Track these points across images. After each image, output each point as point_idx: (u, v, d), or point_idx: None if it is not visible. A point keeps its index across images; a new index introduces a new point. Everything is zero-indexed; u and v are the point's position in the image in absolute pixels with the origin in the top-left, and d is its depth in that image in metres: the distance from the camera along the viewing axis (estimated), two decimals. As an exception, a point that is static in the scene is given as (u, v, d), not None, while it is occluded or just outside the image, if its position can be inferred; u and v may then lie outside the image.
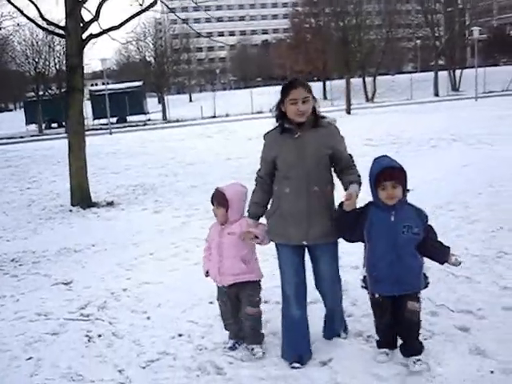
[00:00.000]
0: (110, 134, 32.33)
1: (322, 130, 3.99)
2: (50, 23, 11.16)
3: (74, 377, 4.22)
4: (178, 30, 61.46)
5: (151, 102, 56.53)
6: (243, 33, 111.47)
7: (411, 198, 3.86)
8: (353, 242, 3.98)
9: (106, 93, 35.45)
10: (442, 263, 3.91)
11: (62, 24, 11.04)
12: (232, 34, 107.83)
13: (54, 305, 5.75)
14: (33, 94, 44.49)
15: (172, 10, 13.96)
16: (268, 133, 4.15)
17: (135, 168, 16.47)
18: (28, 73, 43.87)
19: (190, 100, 70.62)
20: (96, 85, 75.54)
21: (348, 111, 32.46)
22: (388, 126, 21.00)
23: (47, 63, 42.74)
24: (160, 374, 4.16)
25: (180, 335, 4.76)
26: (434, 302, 4.88)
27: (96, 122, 45.56)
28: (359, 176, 4.00)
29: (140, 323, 5.09)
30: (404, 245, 3.70)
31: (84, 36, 11.07)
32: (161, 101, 52.04)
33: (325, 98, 53.49)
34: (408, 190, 3.78)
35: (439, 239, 3.87)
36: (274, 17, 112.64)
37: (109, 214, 10.39)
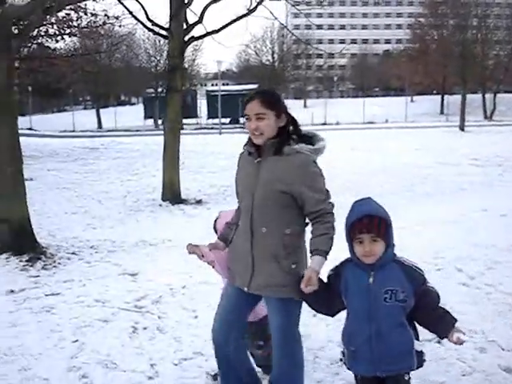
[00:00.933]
0: (220, 134, 33.09)
1: (284, 159, 3.14)
2: (154, 24, 11.63)
3: (108, 364, 4.38)
4: (301, 36, 61.90)
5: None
6: (365, 41, 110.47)
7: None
8: (335, 314, 3.18)
9: (219, 94, 36.35)
10: (441, 338, 3.00)
11: (167, 26, 11.49)
12: (354, 41, 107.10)
13: (114, 293, 5.99)
14: (152, 90, 46.39)
15: (281, 22, 14.01)
16: (243, 152, 3.46)
17: (232, 169, 16.70)
18: (149, 70, 45.81)
19: (305, 105, 70.91)
20: (216, 85, 77.54)
21: (461, 128, 31.42)
22: (499, 147, 20.12)
23: (167, 62, 44.38)
24: (188, 372, 4.24)
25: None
26: (486, 337, 4.62)
27: (210, 121, 46.78)
28: (327, 234, 3.10)
29: (186, 321, 5.22)
30: (386, 316, 2.83)
31: (186, 38, 11.45)
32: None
33: (441, 112, 52.05)
34: (393, 245, 2.93)
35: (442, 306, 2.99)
36: (398, 27, 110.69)
37: (194, 212, 10.71)
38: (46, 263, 7.13)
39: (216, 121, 43.31)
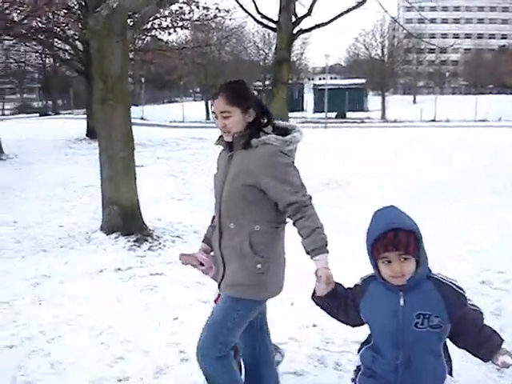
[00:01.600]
0: (325, 127, 32.98)
1: (252, 151, 2.99)
2: (264, 17, 11.80)
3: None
4: (412, 30, 60.47)
5: (375, 100, 56.44)
6: (480, 36, 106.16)
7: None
8: (356, 325, 2.77)
9: (326, 88, 36.24)
10: (484, 361, 2.54)
11: (276, 19, 11.63)
12: (468, 36, 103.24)
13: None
14: (260, 83, 46.92)
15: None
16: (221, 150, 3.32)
17: (332, 162, 16.56)
18: (257, 63, 46.35)
19: (414, 101, 69.21)
20: (323, 79, 77.26)
21: None
22: None
23: (275, 54, 44.75)
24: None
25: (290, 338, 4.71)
26: None
27: (316, 115, 46.70)
28: (318, 229, 2.86)
29: (283, 307, 5.16)
30: (417, 343, 2.42)
31: (295, 31, 11.54)
32: (382, 100, 51.76)
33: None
34: (426, 260, 2.46)
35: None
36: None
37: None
38: (151, 244, 7.49)
39: (322, 115, 43.25)
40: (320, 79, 76.15)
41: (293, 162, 3.06)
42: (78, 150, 20.19)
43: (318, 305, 2.76)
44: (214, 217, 3.28)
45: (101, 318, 5.06)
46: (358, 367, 2.68)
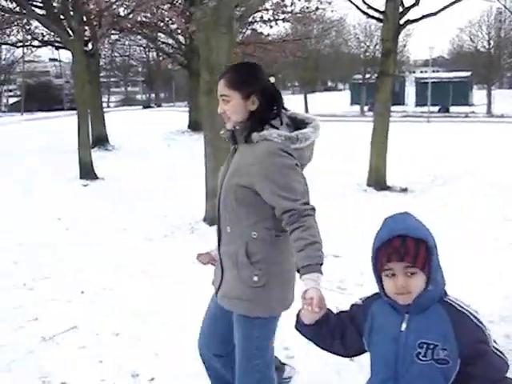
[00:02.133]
0: (428, 122, 32.05)
1: (251, 147, 2.65)
2: (369, 7, 11.52)
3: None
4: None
5: (480, 94, 54.33)
6: None
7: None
8: (352, 355, 2.36)
9: (429, 81, 35.21)
10: None
11: (382, 9, 11.31)
12: None
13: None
14: (360, 76, 46.20)
15: None
16: None
17: (436, 158, 16.07)
18: (358, 56, 45.67)
19: (522, 95, 66.12)
20: (426, 72, 75.25)
21: None
22: None
23: (377, 47, 43.87)
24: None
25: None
26: None
27: (418, 109, 45.48)
28: (316, 244, 2.49)
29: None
30: (417, 378, 1.98)
31: (402, 21, 11.19)
32: (488, 94, 49.71)
33: None
34: (441, 279, 2.04)
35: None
36: None
37: (397, 199, 10.46)
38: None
39: (424, 109, 42.04)
40: (421, 72, 74.17)
41: (297, 165, 2.62)
42: (180, 141, 20.61)
43: (304, 335, 2.31)
44: None
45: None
46: None
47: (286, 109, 2.81)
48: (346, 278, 5.96)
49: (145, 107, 50.10)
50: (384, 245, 1.97)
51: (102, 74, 34.29)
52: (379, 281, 2.04)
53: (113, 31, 20.96)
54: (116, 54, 49.94)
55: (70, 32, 13.64)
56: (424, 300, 1.98)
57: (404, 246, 1.94)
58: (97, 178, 12.83)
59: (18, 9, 17.92)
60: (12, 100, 70.54)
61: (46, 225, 8.51)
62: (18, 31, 26.07)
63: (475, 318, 1.99)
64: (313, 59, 42.73)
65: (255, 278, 2.67)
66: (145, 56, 53.39)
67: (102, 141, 19.31)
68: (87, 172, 12.81)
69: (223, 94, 2.71)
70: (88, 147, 13.21)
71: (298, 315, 2.28)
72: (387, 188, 11.45)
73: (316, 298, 2.21)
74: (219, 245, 2.84)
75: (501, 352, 2.01)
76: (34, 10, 15.73)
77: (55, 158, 16.27)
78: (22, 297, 5.58)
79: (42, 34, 24.44)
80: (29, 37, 26.04)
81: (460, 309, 2.00)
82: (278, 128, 2.66)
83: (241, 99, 2.68)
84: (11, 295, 5.64)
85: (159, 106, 53.99)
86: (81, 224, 8.54)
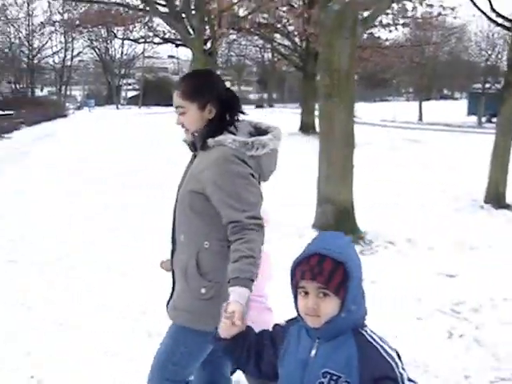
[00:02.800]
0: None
1: (207, 153, 2.57)
2: (498, 15, 10.94)
3: (421, 366, 4.23)
4: None
5: None
6: None
7: None
8: (273, 379, 2.09)
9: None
10: None
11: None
12: None
13: (430, 292, 5.80)
14: (479, 85, 44.48)
15: None
16: None
17: None
18: (478, 64, 44.00)
19: None
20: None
21: None
22: None
23: (499, 56, 42.12)
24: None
25: None
26: None
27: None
28: (250, 258, 2.38)
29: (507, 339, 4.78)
30: None
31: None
32: None
33: None
34: (358, 308, 1.89)
35: None
36: None
37: (517, 218, 9.90)
38: (363, 248, 7.24)
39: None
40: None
41: (252, 174, 2.53)
42: (291, 143, 20.59)
43: (221, 350, 2.16)
44: None
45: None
46: None
47: (244, 113, 2.71)
48: (460, 301, 5.62)
49: (257, 106, 50.68)
50: (302, 261, 1.87)
51: (217, 73, 34.98)
52: (295, 299, 1.92)
53: (231, 31, 21.27)
54: (232, 54, 50.89)
55: (191, 30, 13.92)
56: (334, 326, 1.84)
57: (319, 266, 1.83)
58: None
59: (141, 6, 18.57)
60: (131, 94, 73.54)
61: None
62: (140, 28, 27.08)
63: (386, 352, 1.83)
64: (430, 66, 41.64)
65: (203, 290, 2.58)
66: (260, 56, 54.02)
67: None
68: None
69: (179, 106, 2.64)
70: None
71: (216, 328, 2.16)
72: (507, 206, 10.84)
73: (237, 312, 2.12)
74: (172, 254, 2.76)
75: None
76: (157, 8, 16.22)
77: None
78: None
79: (163, 31, 25.27)
80: (150, 34, 27.00)
81: (371, 341, 1.85)
82: (234, 134, 2.58)
83: (197, 110, 2.62)
84: None
85: (271, 106, 54.45)
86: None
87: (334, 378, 1.82)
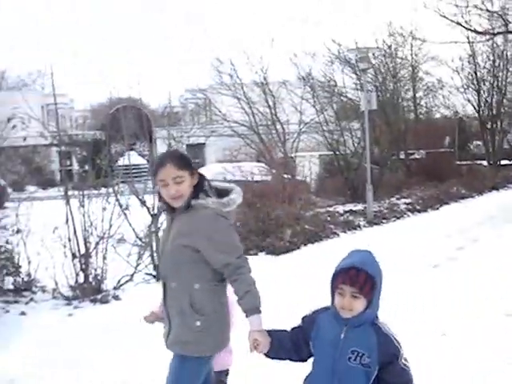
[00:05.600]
0: None
1: (191, 213, 3.11)
2: None
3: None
4: None
5: None
6: None
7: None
8: (307, 359, 2.93)
9: None
10: None
11: None
12: None
13: None
14: None
15: None
16: None
17: None
18: None
19: None
20: None
21: None
22: None
23: None
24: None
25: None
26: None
27: None
28: (249, 292, 3.01)
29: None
30: (347, 376, 2.69)
31: None
32: None
33: None
34: (376, 308, 2.77)
35: None
36: None
37: None
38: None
39: None
40: None
41: (230, 225, 3.17)
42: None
43: (270, 358, 2.97)
44: None
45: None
46: None
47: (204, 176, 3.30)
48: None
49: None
50: (343, 270, 2.68)
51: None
52: (332, 296, 2.74)
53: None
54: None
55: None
56: (361, 319, 2.69)
57: (356, 276, 2.65)
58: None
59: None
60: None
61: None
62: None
63: (395, 339, 2.71)
64: None
65: (197, 323, 3.09)
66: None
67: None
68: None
69: (177, 176, 3.07)
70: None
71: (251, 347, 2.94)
72: None
73: (259, 339, 2.85)
74: (165, 300, 3.23)
75: (407, 367, 2.72)
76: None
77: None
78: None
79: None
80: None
81: (385, 331, 2.71)
82: (210, 196, 3.18)
83: (189, 177, 3.13)
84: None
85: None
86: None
87: (360, 354, 2.65)
